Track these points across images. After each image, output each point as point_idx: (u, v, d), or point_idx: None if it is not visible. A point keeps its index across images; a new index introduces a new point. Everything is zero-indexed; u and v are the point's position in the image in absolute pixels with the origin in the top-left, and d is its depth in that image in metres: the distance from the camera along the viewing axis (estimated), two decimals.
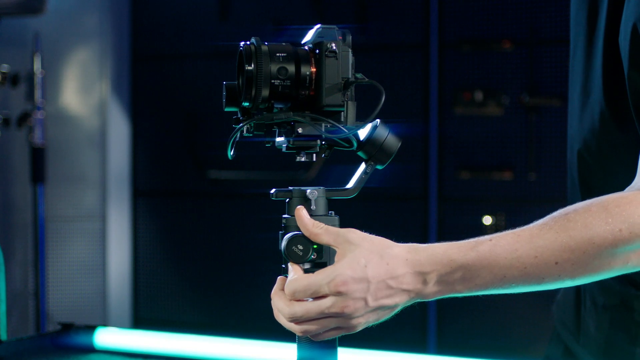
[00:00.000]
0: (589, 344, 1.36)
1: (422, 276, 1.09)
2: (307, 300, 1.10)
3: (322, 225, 1.13)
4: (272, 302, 1.14)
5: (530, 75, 3.53)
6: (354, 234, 1.12)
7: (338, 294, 1.08)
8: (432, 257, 1.09)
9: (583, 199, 1.31)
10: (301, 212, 1.15)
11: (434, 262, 1.09)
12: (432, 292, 1.11)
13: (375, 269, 1.09)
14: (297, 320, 1.11)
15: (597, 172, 1.33)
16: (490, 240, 1.10)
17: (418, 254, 1.10)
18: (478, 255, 1.09)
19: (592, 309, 1.34)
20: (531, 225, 1.12)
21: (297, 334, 1.13)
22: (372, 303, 1.09)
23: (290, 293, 1.10)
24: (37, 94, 3.74)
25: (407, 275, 1.09)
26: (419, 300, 1.12)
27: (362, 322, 1.10)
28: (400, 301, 1.10)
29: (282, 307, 1.12)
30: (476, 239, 1.11)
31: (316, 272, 1.10)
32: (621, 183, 1.23)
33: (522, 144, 3.55)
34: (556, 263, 1.09)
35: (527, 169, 3.54)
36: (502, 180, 3.59)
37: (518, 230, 1.11)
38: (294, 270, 1.13)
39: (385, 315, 1.12)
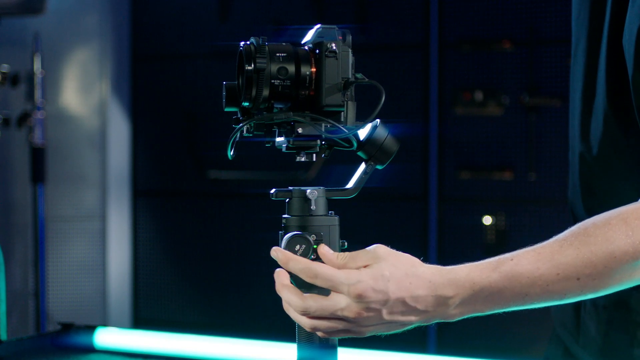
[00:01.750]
0: (588, 344, 1.36)
1: (444, 300, 1.10)
2: (320, 296, 1.10)
3: (346, 254, 1.13)
4: (282, 294, 1.13)
5: (530, 75, 3.53)
6: (381, 249, 1.12)
7: (356, 297, 1.08)
8: (454, 281, 1.10)
9: (584, 201, 1.31)
10: (323, 249, 1.14)
11: (457, 286, 1.09)
12: (455, 313, 1.11)
13: (397, 285, 1.09)
14: (308, 314, 1.10)
15: (599, 174, 1.33)
16: (512, 259, 1.11)
17: (442, 277, 1.10)
18: (500, 277, 1.10)
19: (591, 309, 1.34)
20: (551, 241, 1.12)
21: (305, 328, 1.13)
22: (386, 317, 1.09)
23: (312, 274, 1.10)
24: (37, 94, 3.74)
25: (429, 297, 1.09)
26: (439, 320, 1.12)
27: (371, 330, 1.11)
28: (416, 320, 1.11)
29: (295, 300, 1.11)
30: (498, 258, 1.12)
31: (340, 270, 1.10)
32: (624, 185, 1.23)
33: (522, 144, 3.55)
34: (578, 279, 1.09)
35: (527, 169, 3.54)
36: (502, 180, 3.59)
37: (538, 247, 1.11)
38: (325, 255, 1.13)
39: (396, 329, 1.12)
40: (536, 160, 3.52)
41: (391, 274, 1.09)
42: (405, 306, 1.09)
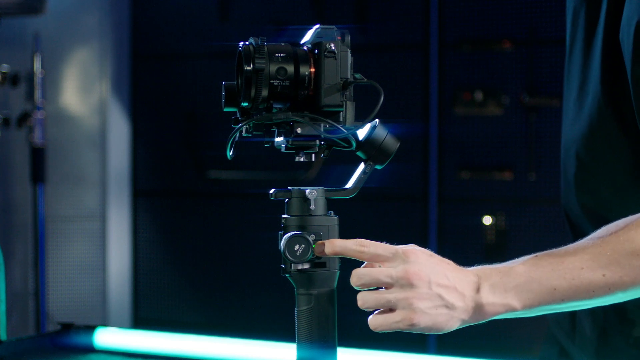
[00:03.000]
0: (584, 344, 1.36)
1: (475, 284, 1.12)
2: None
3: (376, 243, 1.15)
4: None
5: (530, 75, 3.54)
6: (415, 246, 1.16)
7: (407, 259, 1.11)
8: (480, 270, 1.14)
9: (579, 200, 1.31)
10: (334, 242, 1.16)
11: (484, 273, 1.13)
12: (487, 302, 1.12)
13: (439, 261, 1.13)
14: (360, 280, 1.13)
15: (594, 173, 1.33)
16: (535, 256, 1.14)
17: (467, 269, 1.14)
18: (525, 267, 1.12)
19: (587, 309, 1.34)
20: (574, 244, 1.15)
21: (358, 304, 1.14)
22: (434, 287, 1.11)
23: (364, 243, 1.13)
24: (37, 94, 3.74)
25: (463, 280, 1.12)
26: (477, 322, 1.14)
27: (420, 306, 1.10)
28: (457, 303, 1.11)
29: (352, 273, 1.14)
30: (520, 258, 1.15)
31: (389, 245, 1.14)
32: (619, 184, 1.23)
33: (522, 144, 3.55)
34: (603, 275, 1.11)
35: (527, 169, 3.54)
36: (502, 180, 3.59)
37: (561, 248, 1.15)
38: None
39: (443, 318, 1.12)
40: (536, 160, 3.52)
41: (431, 253, 1.14)
42: (447, 280, 1.11)
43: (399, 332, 1.14)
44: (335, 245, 1.14)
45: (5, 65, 3.67)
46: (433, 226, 3.69)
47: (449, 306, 1.11)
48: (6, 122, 3.72)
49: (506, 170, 3.58)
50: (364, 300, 1.13)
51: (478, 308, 1.12)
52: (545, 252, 1.14)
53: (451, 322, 1.12)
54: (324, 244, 1.15)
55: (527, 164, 3.54)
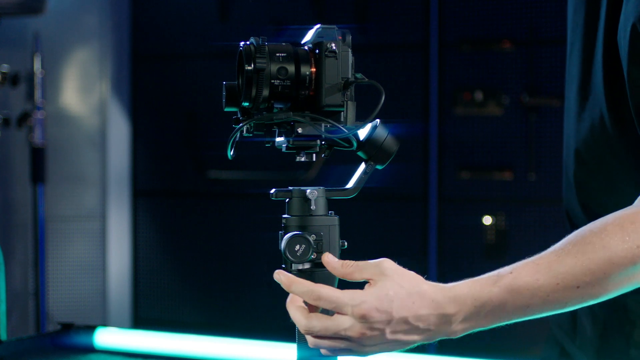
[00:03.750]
0: (585, 345, 1.36)
1: (447, 317, 1.11)
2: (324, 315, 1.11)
3: (352, 263, 1.14)
4: (289, 311, 1.15)
5: (530, 75, 3.53)
6: (387, 263, 1.13)
7: (360, 318, 1.09)
8: (456, 298, 1.11)
9: (579, 199, 1.31)
10: (328, 258, 1.15)
11: (459, 303, 1.11)
12: (458, 330, 1.13)
13: (401, 305, 1.10)
14: (312, 334, 1.11)
15: (594, 173, 1.33)
16: (511, 272, 1.11)
17: (444, 295, 1.11)
18: (500, 290, 1.11)
19: (588, 310, 1.34)
20: (549, 251, 1.13)
21: (309, 345, 1.14)
22: (389, 336, 1.10)
23: (315, 297, 1.11)
24: (37, 94, 3.74)
25: (431, 316, 1.11)
26: (443, 337, 1.14)
27: (374, 350, 1.12)
28: (418, 339, 1.12)
29: (299, 319, 1.12)
30: (497, 272, 1.13)
31: (344, 291, 1.11)
32: (619, 184, 1.23)
33: (522, 144, 3.55)
34: (578, 287, 1.10)
35: (527, 169, 3.54)
36: (502, 180, 3.59)
37: (537, 258, 1.12)
38: (330, 263, 1.15)
39: (399, 348, 1.13)
40: (536, 160, 3.52)
41: (395, 293, 1.10)
42: (408, 325, 1.10)
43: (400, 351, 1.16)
44: (292, 289, 1.13)
45: (5, 65, 3.66)
46: (433, 226, 3.69)
47: (406, 343, 1.12)
48: (6, 122, 3.71)
49: (506, 170, 3.58)
50: (317, 344, 1.13)
51: (446, 333, 1.13)
52: (522, 263, 1.12)
53: (408, 345, 1.13)
54: (287, 280, 1.14)
55: (527, 164, 3.53)
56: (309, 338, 1.13)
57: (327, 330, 1.10)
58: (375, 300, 1.09)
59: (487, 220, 3.60)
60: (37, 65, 3.76)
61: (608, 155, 1.29)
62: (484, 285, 1.11)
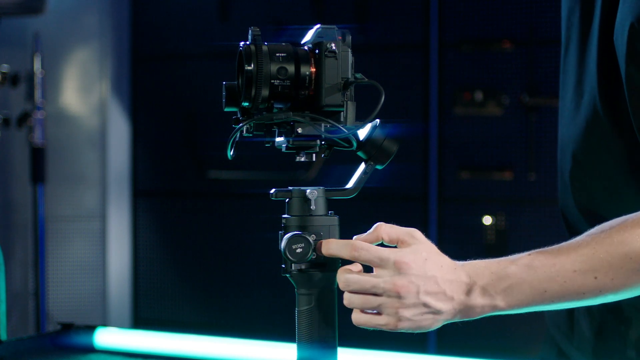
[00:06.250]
0: (582, 345, 1.36)
1: (466, 286, 1.13)
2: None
3: (386, 225, 1.19)
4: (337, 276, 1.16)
5: (530, 75, 3.53)
6: (418, 233, 1.17)
7: (399, 268, 1.11)
8: (473, 269, 1.14)
9: (575, 199, 1.31)
10: (358, 237, 1.19)
11: (476, 274, 1.14)
12: (476, 305, 1.13)
13: (433, 265, 1.13)
14: (349, 288, 1.14)
15: (590, 173, 1.33)
16: (529, 255, 1.14)
17: (462, 266, 1.15)
18: (518, 268, 1.13)
19: (585, 310, 1.34)
20: (568, 242, 1.15)
21: (344, 303, 1.15)
22: (422, 296, 1.12)
23: (357, 247, 1.14)
24: (37, 94, 3.74)
25: (454, 283, 1.13)
26: (462, 319, 1.15)
27: (406, 315, 1.12)
28: (444, 308, 1.13)
29: (340, 272, 1.15)
30: (515, 255, 1.15)
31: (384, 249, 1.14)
32: (614, 183, 1.24)
33: (522, 144, 3.55)
34: (595, 278, 1.11)
35: (527, 169, 3.54)
36: (502, 180, 3.59)
37: (555, 246, 1.15)
38: (360, 236, 1.18)
39: (427, 322, 1.13)
40: (536, 160, 3.52)
41: (428, 254, 1.14)
42: (437, 286, 1.12)
43: (398, 332, 1.15)
44: (330, 247, 1.16)
45: (5, 65, 3.67)
46: (433, 226, 3.69)
47: (434, 312, 1.13)
48: (6, 122, 3.72)
49: (506, 170, 3.58)
50: (350, 301, 1.15)
51: (466, 309, 1.14)
52: (539, 250, 1.14)
53: (435, 324, 1.14)
54: (321, 243, 1.16)
55: (527, 164, 3.54)
56: (345, 296, 1.14)
57: (366, 282, 1.12)
58: (411, 254, 1.13)
59: (487, 220, 3.60)
60: (37, 65, 3.76)
61: (604, 154, 1.29)
62: (501, 263, 1.14)
